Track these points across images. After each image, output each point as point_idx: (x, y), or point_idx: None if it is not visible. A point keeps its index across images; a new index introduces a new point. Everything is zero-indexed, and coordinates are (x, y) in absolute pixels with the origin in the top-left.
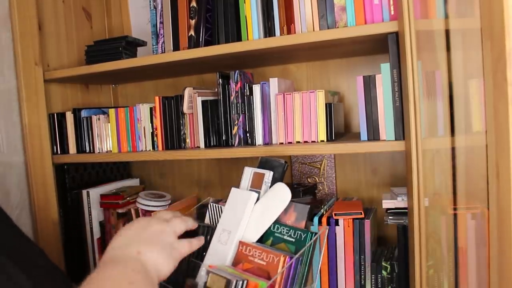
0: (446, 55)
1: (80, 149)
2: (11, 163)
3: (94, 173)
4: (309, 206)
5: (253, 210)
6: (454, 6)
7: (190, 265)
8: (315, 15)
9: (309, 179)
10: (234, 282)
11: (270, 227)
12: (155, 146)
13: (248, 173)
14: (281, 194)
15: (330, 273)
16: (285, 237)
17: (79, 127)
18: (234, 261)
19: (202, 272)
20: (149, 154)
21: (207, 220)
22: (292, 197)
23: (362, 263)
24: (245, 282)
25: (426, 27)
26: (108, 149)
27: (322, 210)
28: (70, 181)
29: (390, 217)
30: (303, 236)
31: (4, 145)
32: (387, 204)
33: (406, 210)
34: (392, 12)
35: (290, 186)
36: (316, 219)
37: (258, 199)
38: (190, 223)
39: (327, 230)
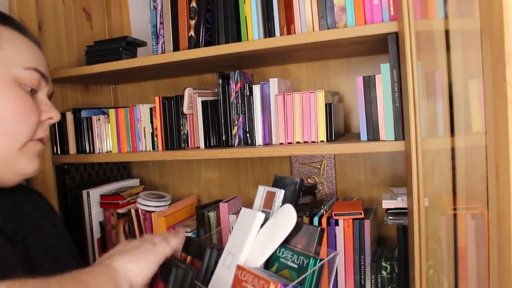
0: (445, 56)
1: (80, 150)
2: None
3: (94, 173)
4: (319, 228)
5: (260, 232)
6: (454, 7)
7: None
8: (315, 15)
9: (309, 179)
10: None
11: (276, 252)
12: (155, 146)
13: (261, 192)
14: (287, 216)
15: (330, 273)
16: (288, 262)
17: (79, 128)
18: (232, 286)
19: None
20: (149, 154)
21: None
22: None
23: (362, 263)
24: None
25: (426, 27)
26: (108, 149)
27: (322, 210)
28: (70, 182)
29: (390, 217)
30: (305, 262)
31: None
32: (387, 204)
33: (406, 210)
34: (392, 13)
35: None
36: (316, 219)
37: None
38: (174, 244)
39: (337, 256)
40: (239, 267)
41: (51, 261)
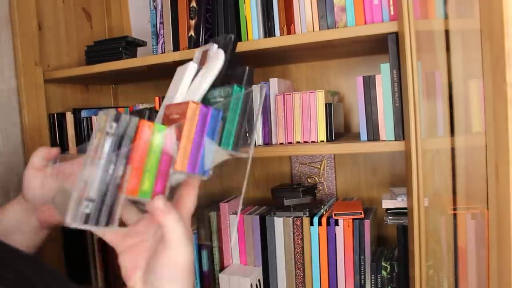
0: (445, 56)
1: (80, 149)
2: (11, 163)
3: None
4: (247, 67)
5: (193, 82)
6: (454, 7)
7: None
8: (315, 15)
9: (309, 179)
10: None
11: (207, 94)
12: None
13: (197, 54)
14: (215, 56)
15: (330, 273)
16: (217, 99)
17: (79, 128)
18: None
19: None
20: None
21: None
22: (292, 197)
23: (362, 263)
24: (134, 120)
25: (426, 27)
26: None
27: (322, 210)
28: None
29: (390, 217)
30: (229, 92)
31: (4, 145)
32: (387, 204)
33: (406, 210)
34: (392, 13)
35: (290, 186)
36: (316, 219)
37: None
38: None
39: (265, 89)
40: (166, 106)
41: None
